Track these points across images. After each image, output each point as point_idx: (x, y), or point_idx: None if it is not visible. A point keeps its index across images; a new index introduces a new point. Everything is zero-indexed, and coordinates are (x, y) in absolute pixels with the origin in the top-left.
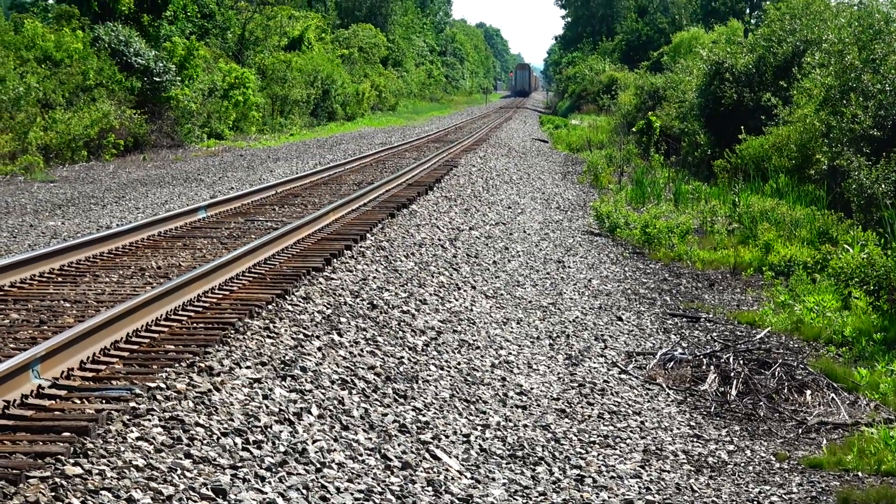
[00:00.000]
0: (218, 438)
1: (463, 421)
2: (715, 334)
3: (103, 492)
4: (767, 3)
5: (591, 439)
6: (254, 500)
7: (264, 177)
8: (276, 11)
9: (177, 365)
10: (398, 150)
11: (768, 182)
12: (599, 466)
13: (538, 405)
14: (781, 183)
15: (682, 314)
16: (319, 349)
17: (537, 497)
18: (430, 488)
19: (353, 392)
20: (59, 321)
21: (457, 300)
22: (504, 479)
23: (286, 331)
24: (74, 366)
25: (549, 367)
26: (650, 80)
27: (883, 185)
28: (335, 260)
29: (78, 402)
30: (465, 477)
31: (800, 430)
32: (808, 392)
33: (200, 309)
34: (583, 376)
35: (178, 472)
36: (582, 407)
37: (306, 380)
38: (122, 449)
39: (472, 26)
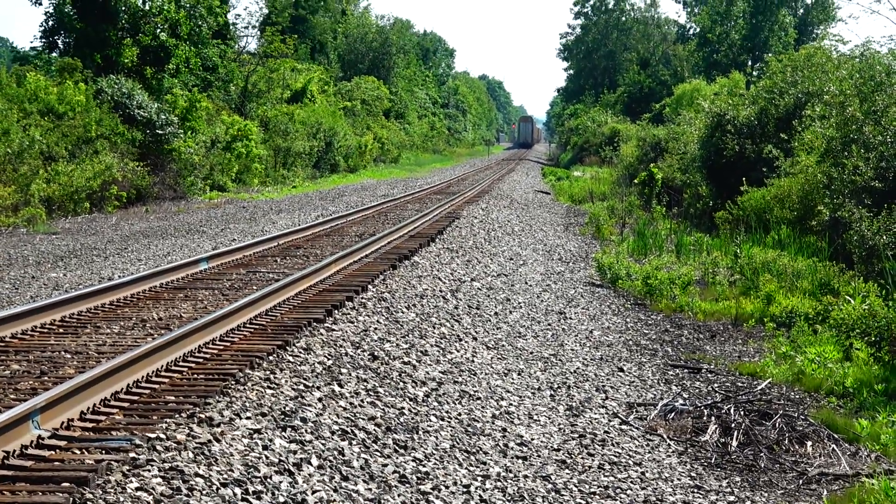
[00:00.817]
0: (217, 489)
1: (463, 471)
2: (716, 385)
3: None
4: (769, 55)
5: (592, 490)
6: None
7: (266, 228)
8: (279, 64)
9: (177, 416)
10: (400, 201)
11: (770, 233)
12: None
13: (539, 456)
14: (783, 234)
15: (684, 365)
16: (320, 400)
17: None
18: None
19: (354, 442)
20: (59, 372)
21: (458, 351)
22: None
23: (287, 381)
24: (74, 416)
25: (549, 418)
26: (652, 131)
27: (884, 237)
28: (336, 311)
29: (78, 452)
30: None
31: (801, 482)
32: (809, 443)
33: (201, 360)
34: (584, 427)
35: None
36: (583, 458)
37: (306, 430)
38: (122, 499)
39: (475, 78)
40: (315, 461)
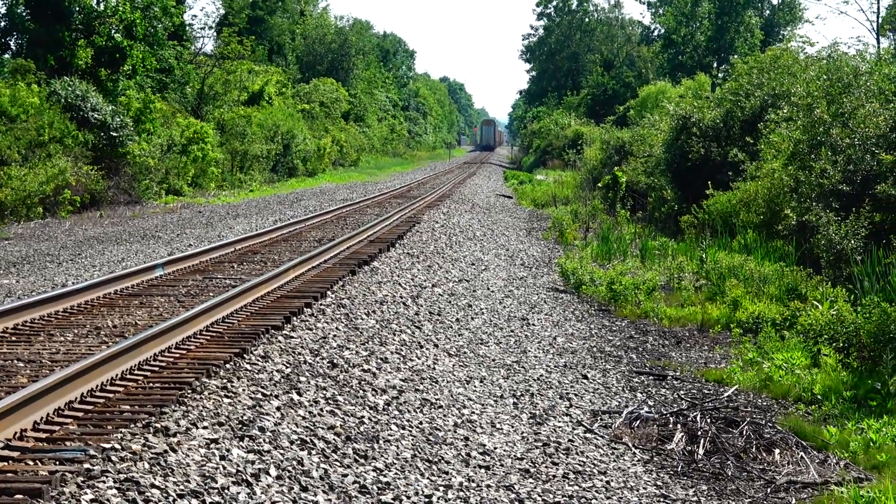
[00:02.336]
0: (174, 500)
1: (425, 482)
2: (682, 392)
3: None
4: (735, 56)
5: (556, 500)
6: None
7: (223, 233)
8: (236, 66)
9: (132, 425)
10: (360, 206)
11: (736, 238)
12: None
13: (502, 465)
14: (749, 239)
15: (649, 372)
16: (278, 409)
17: None
18: None
19: (313, 452)
20: (12, 381)
21: (419, 359)
22: None
23: (244, 390)
24: (28, 427)
25: (512, 427)
26: (616, 134)
27: (852, 241)
28: (295, 318)
29: (31, 463)
30: None
31: (768, 490)
32: (777, 451)
33: (157, 368)
34: (547, 435)
35: None
36: (546, 467)
37: (265, 440)
38: None
39: (436, 80)
40: (273, 471)
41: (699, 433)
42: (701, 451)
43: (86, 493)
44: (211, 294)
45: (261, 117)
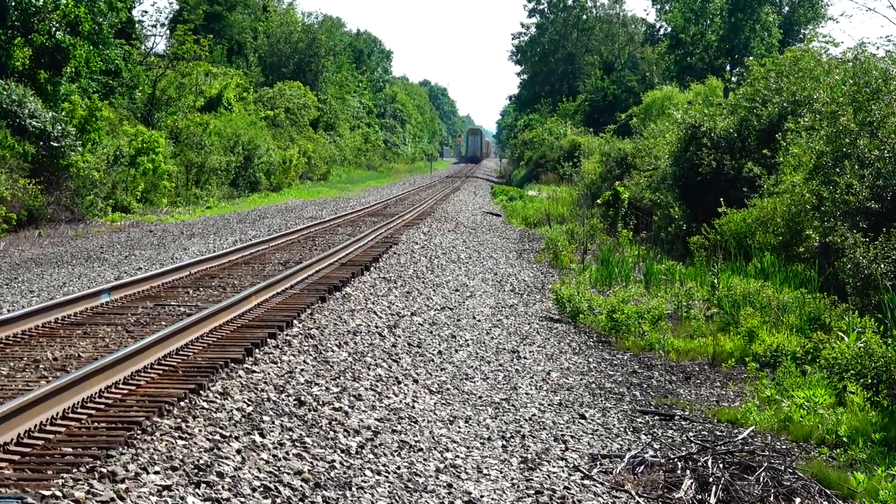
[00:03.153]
0: None
1: None
2: (691, 434)
3: None
4: (750, 58)
5: None
6: None
7: (177, 255)
8: (192, 68)
9: (75, 470)
10: (330, 224)
11: (752, 261)
12: None
13: None
14: (767, 262)
15: (654, 411)
16: (239, 452)
17: None
18: None
19: (278, 500)
20: None
21: (396, 396)
22: None
23: (201, 431)
24: None
25: (501, 472)
26: (617, 145)
27: (882, 265)
28: (257, 350)
29: None
30: None
31: None
32: (798, 500)
33: (103, 406)
34: (540, 482)
35: None
36: None
37: (223, 487)
38: None
39: (416, 84)
40: None
41: (711, 480)
42: (713, 500)
43: None
44: (163, 323)
45: (219, 125)
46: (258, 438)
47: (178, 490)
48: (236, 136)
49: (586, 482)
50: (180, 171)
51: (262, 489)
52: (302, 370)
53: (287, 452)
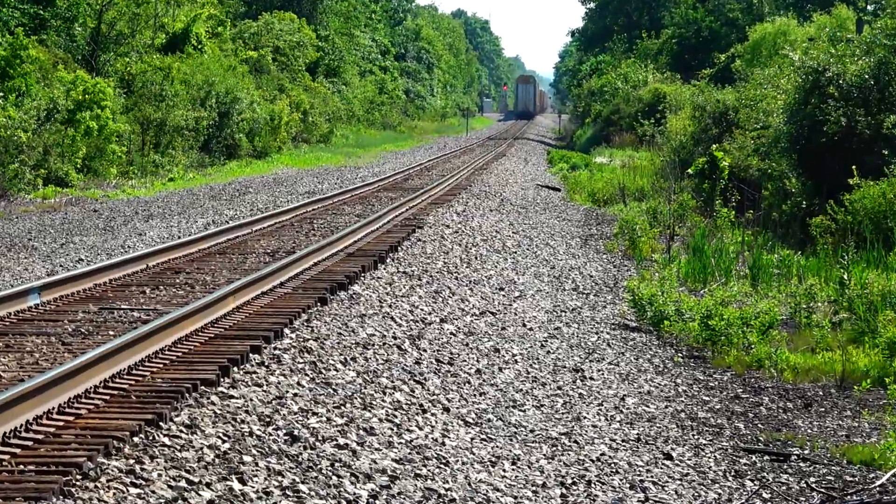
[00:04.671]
0: None
1: None
2: (813, 480)
3: None
4: None
5: None
6: None
7: (130, 243)
8: None
9: None
10: (333, 202)
11: (894, 250)
12: None
13: None
14: None
15: (764, 449)
16: (211, 503)
17: None
18: None
19: None
20: None
21: (421, 429)
22: None
23: (161, 476)
24: None
25: None
26: (715, 96)
27: None
28: (236, 369)
29: None
30: None
31: None
32: None
33: (31, 443)
34: None
35: None
36: None
37: None
38: None
39: (447, 16)
40: None
41: None
42: None
43: None
44: (111, 333)
45: (186, 70)
46: (237, 486)
47: None
48: (208, 84)
49: None
50: (134, 131)
51: None
52: (295, 395)
53: None
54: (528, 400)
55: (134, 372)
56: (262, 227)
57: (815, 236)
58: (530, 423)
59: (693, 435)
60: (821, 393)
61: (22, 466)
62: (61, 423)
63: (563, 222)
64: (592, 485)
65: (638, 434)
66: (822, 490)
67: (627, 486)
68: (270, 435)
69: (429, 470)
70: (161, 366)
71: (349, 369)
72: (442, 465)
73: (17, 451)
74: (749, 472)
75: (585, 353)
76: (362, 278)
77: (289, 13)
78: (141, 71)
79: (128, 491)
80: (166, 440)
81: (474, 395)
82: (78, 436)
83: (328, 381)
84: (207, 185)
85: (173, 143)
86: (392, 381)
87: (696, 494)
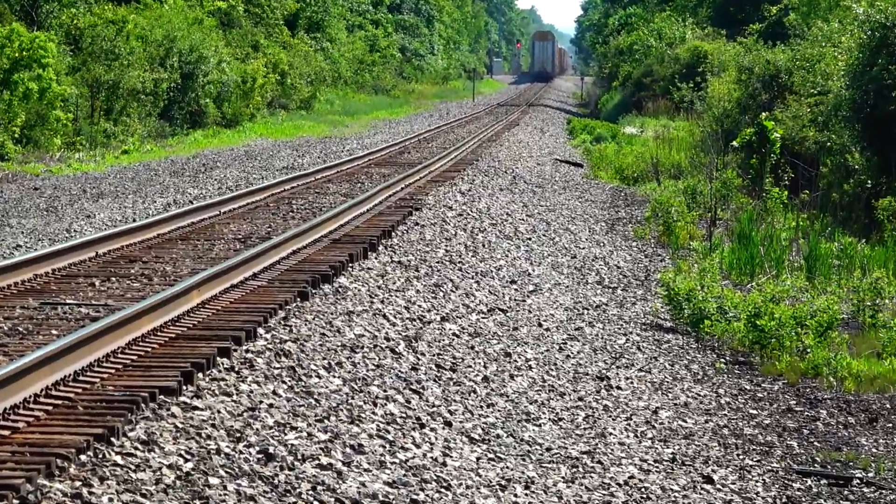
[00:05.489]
0: None
1: None
2: None
3: None
4: None
5: None
6: None
7: (76, 227)
8: None
9: None
10: (316, 179)
11: None
12: None
13: None
14: None
15: (821, 472)
16: None
17: None
18: None
19: None
20: None
21: (419, 447)
22: None
23: (112, 500)
24: None
25: None
26: (764, 55)
27: None
28: (201, 375)
29: None
30: None
31: None
32: None
33: None
34: None
35: None
36: None
37: None
38: None
39: None
40: None
41: None
42: None
43: None
44: (54, 332)
45: (142, 24)
46: None
47: None
48: (169, 40)
49: None
50: (82, 95)
51: None
52: (271, 406)
53: None
54: (543, 413)
55: (81, 378)
56: (231, 209)
57: (882, 221)
58: (546, 441)
59: (738, 455)
60: (888, 406)
61: None
62: None
63: (585, 204)
64: None
65: (673, 453)
66: None
67: None
68: (241, 453)
69: (427, 495)
70: (113, 371)
71: (334, 376)
72: (443, 490)
73: None
74: (804, 499)
75: (612, 358)
76: (350, 269)
77: None
78: (90, 24)
79: None
80: (119, 459)
81: (481, 407)
82: (15, 453)
83: (309, 390)
84: (168, 158)
85: (128, 110)
86: (384, 390)
87: None
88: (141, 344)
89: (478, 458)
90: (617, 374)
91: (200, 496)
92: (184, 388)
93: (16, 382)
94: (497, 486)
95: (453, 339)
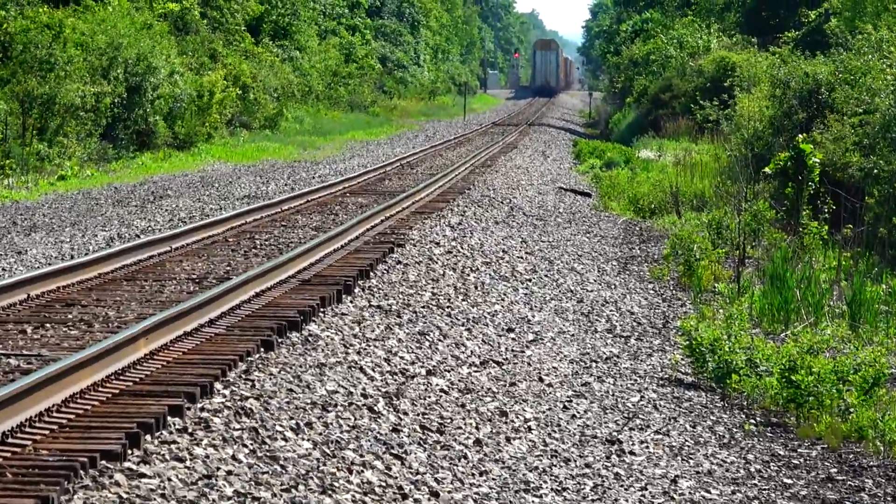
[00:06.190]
0: None
1: None
2: None
3: None
4: None
5: None
6: None
7: (5, 264)
8: None
9: None
10: (283, 210)
11: None
12: None
13: None
14: None
15: None
16: None
17: None
18: None
19: None
20: None
21: None
22: None
23: None
24: None
25: None
26: (803, 68)
27: None
28: (149, 437)
29: None
30: None
31: None
32: None
33: None
34: None
35: None
36: None
37: None
38: None
39: None
40: None
41: None
42: None
43: None
44: None
45: (83, 29)
46: None
47: None
48: (114, 48)
49: None
50: (12, 111)
51: None
52: (230, 473)
53: None
54: (545, 482)
55: (10, 441)
56: (185, 244)
57: None
58: None
59: None
60: None
61: None
62: None
63: (594, 239)
64: None
65: None
66: None
67: None
68: None
69: None
70: (47, 432)
71: (303, 438)
72: None
73: None
74: None
75: (624, 419)
76: (321, 315)
77: None
78: (21, 29)
79: None
80: None
81: (473, 475)
82: None
83: (274, 455)
84: (111, 185)
85: (65, 129)
86: (361, 455)
87: None
88: (79, 401)
89: None
90: (630, 436)
91: None
92: (129, 452)
93: None
94: None
95: (441, 396)
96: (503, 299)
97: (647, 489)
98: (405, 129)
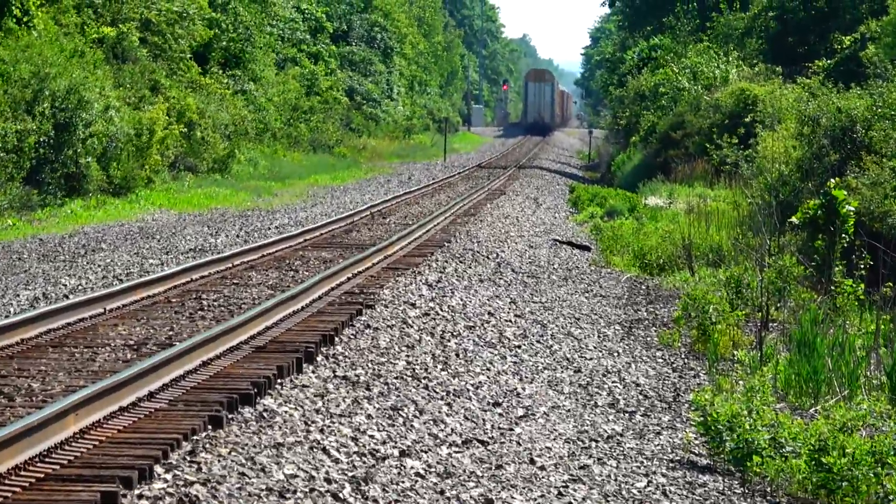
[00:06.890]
0: None
1: None
2: None
3: None
4: None
5: None
6: None
7: None
8: None
9: None
10: (234, 266)
11: None
12: None
13: None
14: None
15: None
16: None
17: None
18: None
19: None
20: None
21: None
22: None
23: None
24: None
25: None
26: (835, 101)
27: None
28: None
29: None
30: None
31: None
32: None
33: None
34: None
35: None
36: None
37: None
38: None
39: None
40: None
41: None
42: None
43: None
44: None
45: (4, 57)
46: None
47: None
48: (39, 79)
49: None
50: None
51: None
52: None
53: None
54: None
55: None
56: (121, 305)
57: None
58: None
59: None
60: None
61: None
62: None
63: (594, 300)
64: None
65: None
66: None
67: None
68: None
69: None
70: None
71: None
72: None
73: None
74: None
75: None
76: (278, 387)
77: None
78: None
79: None
80: None
81: None
82: None
83: None
84: (36, 237)
85: None
86: None
87: None
88: None
89: None
90: None
91: None
92: None
93: None
94: None
95: (416, 482)
96: (489, 369)
97: None
98: (376, 172)
